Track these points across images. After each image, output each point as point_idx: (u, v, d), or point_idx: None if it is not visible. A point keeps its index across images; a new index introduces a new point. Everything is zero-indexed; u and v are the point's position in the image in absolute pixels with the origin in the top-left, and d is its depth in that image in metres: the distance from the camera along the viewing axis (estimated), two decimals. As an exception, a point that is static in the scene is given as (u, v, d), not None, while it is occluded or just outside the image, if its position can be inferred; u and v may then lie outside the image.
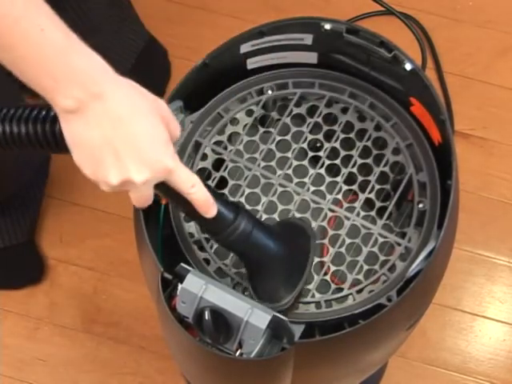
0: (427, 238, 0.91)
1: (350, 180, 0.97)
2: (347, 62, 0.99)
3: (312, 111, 1.00)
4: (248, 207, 0.96)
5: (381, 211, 0.96)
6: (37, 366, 1.55)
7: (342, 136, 0.99)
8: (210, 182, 0.97)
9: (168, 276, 0.87)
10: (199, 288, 0.86)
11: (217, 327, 0.85)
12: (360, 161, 0.98)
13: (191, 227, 0.95)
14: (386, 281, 0.92)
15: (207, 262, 0.94)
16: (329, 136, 0.99)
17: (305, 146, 0.99)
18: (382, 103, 0.98)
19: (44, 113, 0.77)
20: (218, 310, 0.85)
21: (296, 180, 0.98)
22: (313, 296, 0.92)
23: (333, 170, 0.98)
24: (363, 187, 0.97)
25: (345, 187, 0.97)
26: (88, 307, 1.59)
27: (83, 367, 1.55)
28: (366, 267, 0.94)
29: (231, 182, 0.98)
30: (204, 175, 0.98)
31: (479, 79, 1.74)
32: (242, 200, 0.97)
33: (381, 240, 0.94)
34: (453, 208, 0.89)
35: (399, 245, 0.93)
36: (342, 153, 0.98)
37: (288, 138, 0.99)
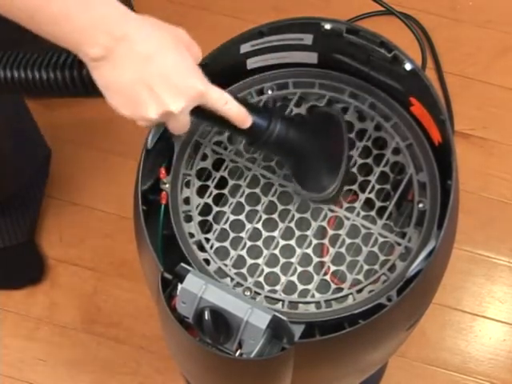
0: (427, 238, 0.91)
1: (349, 180, 0.97)
2: (347, 61, 0.99)
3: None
4: (248, 207, 0.96)
5: (381, 211, 0.96)
6: (37, 366, 1.56)
7: (342, 136, 0.99)
8: (209, 182, 0.97)
9: (168, 276, 0.87)
10: (199, 288, 0.86)
11: (217, 327, 0.85)
12: (360, 161, 0.98)
13: (191, 227, 0.95)
14: (386, 281, 0.92)
15: (207, 262, 0.94)
16: (329, 136, 0.99)
17: (305, 145, 0.99)
18: (382, 103, 0.98)
19: (69, 59, 0.80)
20: (218, 309, 0.85)
21: (296, 180, 0.98)
22: (313, 296, 0.92)
23: (333, 170, 0.98)
24: (363, 187, 0.97)
25: (345, 187, 0.97)
26: (88, 307, 1.59)
27: (83, 367, 1.55)
28: (365, 267, 0.94)
29: (231, 182, 0.98)
30: (204, 175, 0.98)
31: (479, 79, 1.74)
32: (242, 200, 0.97)
33: (381, 240, 0.94)
34: (453, 208, 0.89)
35: (399, 245, 0.93)
36: (342, 153, 0.98)
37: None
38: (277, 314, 0.85)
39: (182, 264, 0.88)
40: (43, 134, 1.58)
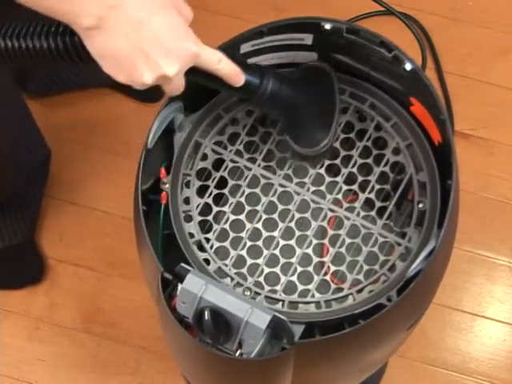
0: (427, 238, 0.91)
1: (349, 180, 0.97)
2: (347, 62, 0.99)
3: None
4: (248, 207, 0.96)
5: (381, 211, 0.96)
6: (37, 365, 1.56)
7: (342, 136, 0.99)
8: (209, 182, 0.97)
9: (168, 276, 0.87)
10: (199, 288, 0.86)
11: (217, 327, 0.85)
12: (360, 161, 0.98)
13: (191, 227, 0.95)
14: (386, 281, 0.92)
15: (207, 262, 0.94)
16: (329, 136, 0.99)
17: (305, 145, 0.99)
18: (382, 103, 0.98)
19: (60, 27, 0.80)
20: (218, 309, 0.85)
21: (296, 180, 0.98)
22: (313, 296, 0.92)
23: (333, 170, 0.98)
24: (363, 187, 0.97)
25: (345, 187, 0.97)
26: (88, 307, 1.59)
27: (83, 367, 1.55)
28: (365, 267, 0.94)
29: (231, 182, 0.98)
30: (204, 175, 0.98)
31: (479, 79, 1.74)
32: (242, 200, 0.97)
33: (381, 240, 0.94)
34: (453, 208, 0.89)
35: (399, 245, 0.93)
36: (342, 153, 0.98)
37: (288, 138, 0.99)
38: (277, 314, 0.85)
39: (182, 264, 0.88)
40: (43, 134, 1.58)
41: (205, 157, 0.98)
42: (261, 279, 0.94)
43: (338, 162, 0.98)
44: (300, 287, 0.93)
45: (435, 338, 1.56)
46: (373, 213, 0.96)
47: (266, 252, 0.95)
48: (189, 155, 0.98)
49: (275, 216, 0.96)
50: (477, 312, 1.58)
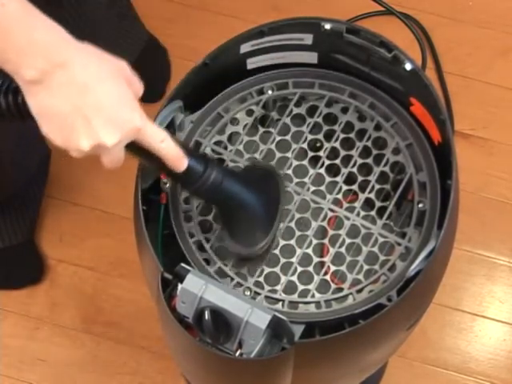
0: (427, 238, 0.91)
1: (349, 180, 0.97)
2: (347, 62, 0.99)
3: (312, 111, 1.00)
4: (248, 207, 0.96)
5: (381, 211, 0.96)
6: (37, 365, 1.55)
7: (342, 136, 0.99)
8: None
9: (168, 276, 0.87)
10: (199, 288, 0.86)
11: (217, 327, 0.85)
12: (360, 161, 0.98)
13: (191, 227, 0.95)
14: (386, 281, 0.92)
15: (207, 262, 0.94)
16: (329, 136, 0.99)
17: (305, 146, 0.99)
18: (382, 103, 0.98)
19: (4, 85, 0.78)
20: (218, 309, 0.85)
21: (296, 180, 0.98)
22: (313, 296, 0.92)
23: (333, 170, 0.98)
24: (363, 187, 0.97)
25: (345, 187, 0.97)
26: (88, 307, 1.59)
27: (83, 367, 1.55)
28: (365, 267, 0.94)
29: (231, 182, 0.97)
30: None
31: (479, 79, 1.74)
32: (242, 200, 0.97)
33: (381, 240, 0.94)
34: (453, 208, 0.89)
35: (399, 245, 0.93)
36: (342, 153, 0.98)
37: (288, 138, 1.00)
38: (277, 313, 0.85)
39: (182, 264, 0.88)
40: (43, 134, 1.58)
41: (205, 157, 0.98)
42: (261, 279, 0.94)
43: (337, 161, 0.98)
44: (300, 287, 0.93)
45: (435, 338, 1.56)
46: (373, 213, 0.96)
47: (266, 252, 0.95)
48: (189, 155, 0.98)
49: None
50: (477, 312, 1.58)
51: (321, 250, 0.96)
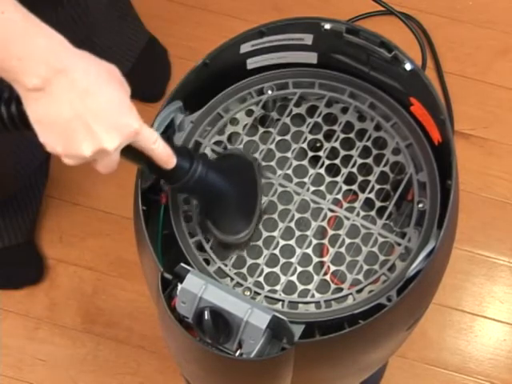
0: (427, 238, 0.91)
1: (349, 180, 0.97)
2: (347, 62, 0.99)
3: (312, 111, 1.00)
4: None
5: (381, 211, 0.96)
6: (37, 366, 1.56)
7: (342, 136, 0.99)
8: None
9: (168, 276, 0.87)
10: (199, 288, 0.86)
11: (217, 327, 0.85)
12: (360, 161, 0.98)
13: (191, 227, 0.95)
14: (386, 281, 0.92)
15: (207, 262, 0.94)
16: (329, 136, 0.99)
17: (305, 146, 0.99)
18: (382, 103, 0.98)
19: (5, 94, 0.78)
20: (218, 309, 0.85)
21: (296, 180, 0.98)
22: (313, 296, 0.92)
23: (333, 170, 0.98)
24: (363, 187, 0.97)
25: (345, 187, 0.97)
26: (88, 307, 1.59)
27: (83, 367, 1.55)
28: (365, 267, 0.94)
29: (231, 182, 0.97)
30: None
31: (479, 79, 1.74)
32: (242, 200, 0.97)
33: (381, 240, 0.94)
34: (453, 208, 0.89)
35: (399, 245, 0.93)
36: (342, 153, 0.98)
37: (288, 138, 1.00)
38: (277, 314, 0.85)
39: (182, 264, 0.88)
40: (43, 133, 1.58)
41: (205, 157, 0.98)
42: (261, 279, 0.94)
43: (337, 161, 0.98)
44: (300, 287, 0.93)
45: (435, 338, 1.56)
46: (373, 213, 0.96)
47: (265, 252, 0.95)
48: (189, 155, 0.98)
49: (275, 216, 0.96)
50: (477, 312, 1.58)
51: (321, 250, 0.96)
